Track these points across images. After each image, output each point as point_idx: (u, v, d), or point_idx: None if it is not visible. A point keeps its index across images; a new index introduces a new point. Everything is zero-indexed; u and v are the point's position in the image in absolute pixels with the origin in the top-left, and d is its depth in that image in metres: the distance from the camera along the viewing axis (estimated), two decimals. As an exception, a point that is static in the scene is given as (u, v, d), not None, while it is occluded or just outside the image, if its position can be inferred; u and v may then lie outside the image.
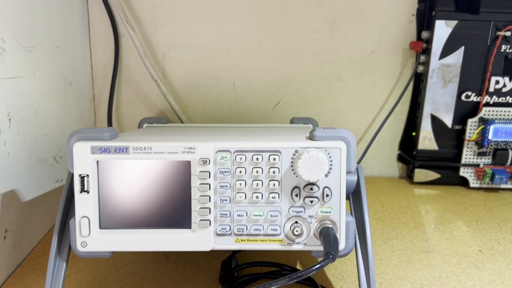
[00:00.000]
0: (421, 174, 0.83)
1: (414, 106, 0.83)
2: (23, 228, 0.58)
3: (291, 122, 0.76)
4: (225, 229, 0.45)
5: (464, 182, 0.82)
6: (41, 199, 0.62)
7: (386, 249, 0.61)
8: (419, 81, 0.82)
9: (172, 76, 0.83)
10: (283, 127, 0.72)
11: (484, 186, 0.80)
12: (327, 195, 0.44)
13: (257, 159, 0.44)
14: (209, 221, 0.45)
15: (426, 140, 0.80)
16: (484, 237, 0.65)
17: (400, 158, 0.88)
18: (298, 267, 0.57)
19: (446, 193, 0.81)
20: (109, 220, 0.45)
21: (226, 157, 0.44)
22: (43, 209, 0.64)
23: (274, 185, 0.45)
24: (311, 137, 0.45)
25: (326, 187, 0.45)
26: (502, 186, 0.80)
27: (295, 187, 0.45)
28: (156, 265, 0.57)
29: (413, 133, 0.83)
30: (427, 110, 0.79)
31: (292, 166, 0.44)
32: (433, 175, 0.83)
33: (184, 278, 0.54)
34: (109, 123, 0.82)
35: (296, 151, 0.44)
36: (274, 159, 0.44)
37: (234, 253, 0.57)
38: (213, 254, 0.59)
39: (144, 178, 0.45)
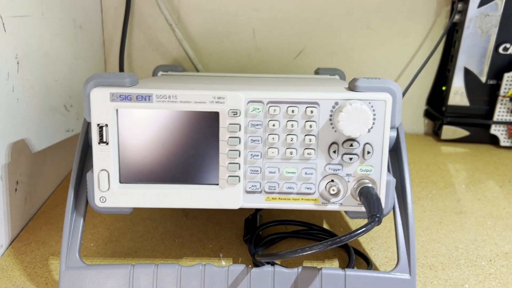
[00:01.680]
0: (449, 131, 0.79)
1: (445, 59, 0.78)
2: (35, 180, 0.55)
3: (316, 73, 0.71)
4: (255, 186, 0.42)
5: (494, 141, 0.78)
6: (52, 150, 0.59)
7: (417, 209, 0.59)
8: (453, 31, 0.76)
9: (187, 21, 0.77)
10: (308, 77, 0.67)
11: (516, 145, 0.76)
12: (368, 152, 0.41)
13: (292, 111, 0.40)
14: (238, 178, 0.41)
15: (457, 95, 0.76)
16: (518, 199, 0.62)
17: (427, 114, 0.84)
18: (325, 226, 0.54)
19: (475, 151, 0.78)
20: (130, 174, 0.42)
21: (258, 109, 0.40)
22: (54, 161, 0.60)
23: (310, 140, 0.41)
24: (353, 88, 0.41)
25: (367, 143, 0.41)
26: (535, 145, 0.76)
27: (333, 143, 0.41)
28: (175, 221, 0.54)
29: (443, 88, 0.78)
30: (461, 63, 0.74)
31: (331, 119, 0.40)
32: (461, 132, 0.79)
33: (206, 235, 0.52)
34: (121, 71, 0.77)
35: (336, 103, 0.40)
36: (312, 111, 0.40)
37: (258, 210, 0.55)
38: (235, 211, 0.56)
39: (168, 129, 0.41)
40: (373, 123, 0.40)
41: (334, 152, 0.41)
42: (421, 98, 0.83)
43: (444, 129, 0.79)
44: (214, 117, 0.41)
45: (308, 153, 0.41)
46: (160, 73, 0.69)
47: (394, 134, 0.44)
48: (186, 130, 0.41)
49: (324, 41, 0.78)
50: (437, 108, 0.81)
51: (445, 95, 0.77)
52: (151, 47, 0.79)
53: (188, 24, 0.77)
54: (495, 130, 0.77)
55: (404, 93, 0.72)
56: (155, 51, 0.80)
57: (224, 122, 0.40)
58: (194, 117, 0.41)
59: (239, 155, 0.41)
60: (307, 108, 0.40)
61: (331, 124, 0.41)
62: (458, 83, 0.75)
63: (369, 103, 0.40)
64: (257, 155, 0.41)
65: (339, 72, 0.70)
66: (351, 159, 0.41)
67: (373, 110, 0.40)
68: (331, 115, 0.40)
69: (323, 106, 0.40)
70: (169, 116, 0.41)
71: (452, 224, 0.55)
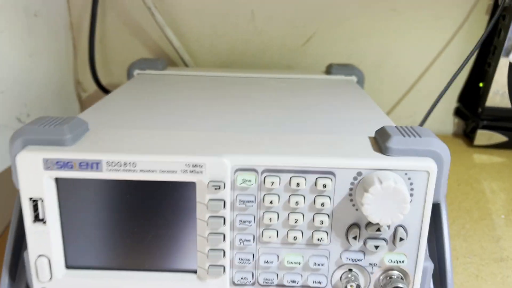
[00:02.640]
0: (484, 136, 0.67)
1: (486, 50, 0.65)
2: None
3: (328, 71, 0.59)
4: (245, 278, 0.32)
5: (536, 148, 0.67)
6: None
7: (448, 256, 0.48)
8: (497, 18, 0.62)
9: (171, 2, 0.64)
10: (317, 79, 0.56)
11: None
12: (401, 239, 0.30)
13: (297, 184, 0.29)
14: (222, 267, 0.31)
15: (498, 95, 0.64)
16: None
17: (458, 113, 0.72)
18: None
19: (512, 161, 0.66)
20: (80, 258, 0.32)
21: (250, 180, 0.29)
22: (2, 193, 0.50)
23: (321, 222, 0.30)
24: (383, 150, 0.30)
25: (400, 226, 0.30)
26: None
27: (353, 224, 0.30)
28: None
29: (480, 84, 0.65)
30: (505, 57, 0.61)
31: (351, 195, 0.30)
32: (499, 137, 0.67)
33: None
34: (91, 60, 0.65)
35: (359, 174, 0.29)
36: (325, 185, 0.29)
37: None
38: None
39: (127, 202, 0.31)
40: (411, 200, 0.29)
41: (355, 238, 0.30)
42: (452, 93, 0.70)
43: (479, 134, 0.67)
44: (189, 188, 0.30)
45: (318, 238, 0.30)
46: (136, 71, 0.57)
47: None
48: (151, 203, 0.30)
49: (338, 26, 0.65)
50: (470, 108, 0.69)
51: (483, 94, 0.65)
52: (128, 31, 0.67)
53: (172, 5, 0.64)
54: (540, 137, 0.65)
55: (440, 96, 0.60)
56: (133, 36, 0.67)
57: (202, 196, 0.30)
58: (162, 188, 0.30)
59: (224, 240, 0.30)
60: (318, 180, 0.29)
61: (351, 200, 0.30)
62: (500, 81, 0.63)
63: (406, 174, 0.29)
64: (249, 240, 0.31)
65: (356, 71, 0.58)
66: (377, 247, 0.30)
67: (411, 184, 0.29)
68: (351, 189, 0.29)
69: (341, 176, 0.29)
70: (127, 186, 0.30)
71: (491, 277, 0.45)
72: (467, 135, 0.71)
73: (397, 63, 0.68)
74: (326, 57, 0.67)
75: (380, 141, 0.31)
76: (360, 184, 0.29)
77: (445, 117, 0.73)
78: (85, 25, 0.66)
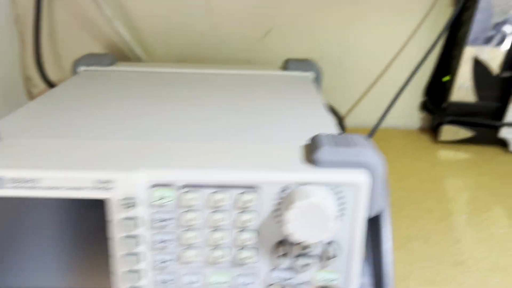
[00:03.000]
0: (450, 132, 0.66)
1: (450, 42, 0.63)
2: None
3: (285, 67, 0.57)
4: (168, 300, 0.29)
5: (502, 143, 0.65)
6: None
7: (404, 259, 0.47)
8: (461, 9, 0.60)
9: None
10: (273, 74, 0.53)
11: (530, 149, 0.64)
12: (333, 256, 0.28)
13: (219, 200, 0.27)
14: (141, 290, 0.29)
15: (463, 89, 0.62)
16: (532, 239, 0.50)
17: (424, 107, 0.70)
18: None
19: (480, 157, 0.65)
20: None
21: (168, 197, 0.27)
22: None
23: (247, 239, 0.28)
24: (313, 160, 0.28)
25: (331, 242, 0.28)
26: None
27: (282, 241, 0.28)
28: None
29: (445, 78, 0.63)
30: (470, 49, 0.59)
31: (278, 210, 0.27)
32: (465, 133, 0.66)
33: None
34: (37, 55, 0.61)
35: (285, 188, 0.27)
36: (248, 201, 0.27)
37: None
38: None
39: (36, 222, 0.28)
40: (341, 215, 0.27)
41: (284, 255, 0.28)
42: (417, 87, 0.68)
43: (445, 129, 0.66)
44: (99, 205, 0.27)
45: (244, 257, 0.28)
46: (82, 68, 0.54)
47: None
48: (61, 221, 0.28)
49: (297, 19, 0.63)
50: (436, 102, 0.67)
51: (448, 88, 0.63)
52: (79, 25, 0.63)
53: (123, -4, 0.61)
54: (506, 133, 0.64)
55: (400, 91, 0.58)
56: (84, 29, 0.64)
57: (114, 214, 0.27)
58: (71, 204, 0.28)
59: (140, 260, 0.28)
60: (241, 195, 0.27)
61: (278, 216, 0.27)
62: (464, 75, 0.61)
63: (335, 188, 0.27)
64: (169, 260, 0.28)
65: (313, 66, 0.55)
66: (307, 265, 0.28)
67: (341, 198, 0.27)
68: (279, 203, 0.27)
69: (266, 191, 0.27)
70: (34, 203, 0.28)
71: (446, 283, 0.44)
72: (433, 129, 0.69)
73: (360, 56, 0.66)
74: (286, 51, 0.65)
75: (311, 151, 0.28)
76: (286, 199, 0.27)
77: (411, 111, 0.71)
78: (32, 18, 0.62)
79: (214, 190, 0.27)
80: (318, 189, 0.26)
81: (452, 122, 0.65)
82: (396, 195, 0.57)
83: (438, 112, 0.66)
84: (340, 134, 0.30)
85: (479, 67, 0.60)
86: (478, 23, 0.58)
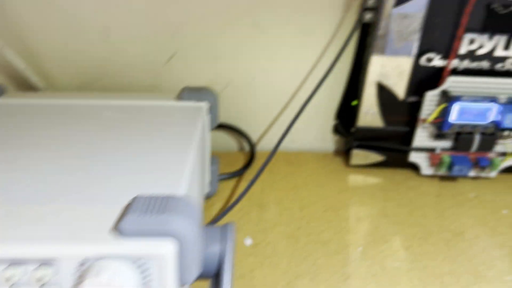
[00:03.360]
0: (359, 156, 0.65)
1: (359, 66, 0.62)
2: None
3: (180, 96, 0.54)
4: None
5: (415, 166, 0.64)
6: None
7: (287, 301, 0.46)
8: (364, 33, 0.60)
9: (12, 16, 0.58)
10: (161, 109, 0.51)
11: (440, 173, 0.63)
12: (143, 331, 0.26)
13: (11, 276, 0.25)
14: None
15: (369, 115, 0.61)
16: (424, 272, 0.50)
17: (336, 130, 0.69)
18: None
19: (389, 182, 0.64)
20: None
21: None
22: None
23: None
24: (117, 229, 0.26)
25: (141, 316, 0.26)
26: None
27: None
28: None
29: (353, 102, 0.62)
30: (373, 75, 0.58)
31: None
32: (375, 157, 0.65)
33: None
34: None
35: (84, 262, 0.25)
36: (45, 275, 0.25)
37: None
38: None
39: None
40: (144, 292, 0.26)
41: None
42: (329, 110, 0.67)
43: (354, 154, 0.65)
44: None
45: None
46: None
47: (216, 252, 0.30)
48: None
49: (201, 43, 0.61)
50: (347, 126, 0.66)
51: (355, 113, 0.62)
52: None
53: (15, 23, 0.58)
54: (415, 157, 0.63)
55: (298, 115, 0.57)
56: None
57: None
58: None
59: None
60: (37, 270, 0.25)
61: (80, 291, 0.25)
62: (369, 100, 0.60)
63: (137, 260, 0.25)
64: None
65: (209, 95, 0.53)
66: None
67: (144, 271, 0.25)
68: (80, 277, 0.25)
69: (64, 265, 0.25)
70: None
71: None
72: (347, 152, 0.68)
73: (269, 81, 0.64)
74: (189, 75, 0.63)
75: (119, 218, 0.27)
76: (82, 274, 0.25)
77: (324, 134, 0.70)
78: None
79: (5, 265, 0.25)
80: (117, 262, 0.25)
81: (361, 147, 0.64)
82: (295, 226, 0.56)
83: (348, 136, 0.65)
84: (163, 196, 0.28)
85: (384, 92, 0.59)
86: (380, 48, 0.57)
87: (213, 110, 0.54)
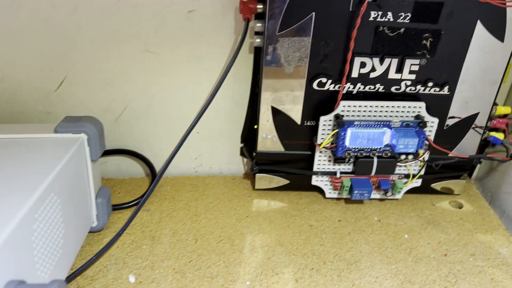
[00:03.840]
0: (263, 181, 0.63)
1: (256, 90, 0.60)
2: None
3: (56, 129, 0.52)
4: None
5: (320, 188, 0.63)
6: None
7: None
8: (257, 58, 0.58)
9: None
10: (37, 143, 0.48)
11: (343, 196, 0.62)
12: None
13: None
14: None
15: (268, 140, 0.59)
16: (307, 308, 0.48)
17: (243, 154, 0.67)
18: None
19: (294, 206, 0.63)
20: None
21: None
22: None
23: None
24: None
25: None
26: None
27: None
28: None
29: (255, 126, 0.61)
30: (267, 100, 0.57)
31: None
32: (279, 181, 0.63)
33: None
34: None
35: None
36: None
37: None
38: None
39: None
40: None
41: None
42: (235, 134, 0.66)
43: (258, 178, 0.63)
44: None
45: None
46: None
47: None
48: None
49: (91, 68, 0.58)
50: (251, 150, 0.64)
51: (256, 138, 0.60)
52: None
53: None
54: (317, 181, 0.62)
55: (184, 138, 0.55)
56: None
57: None
58: None
59: None
60: None
61: None
62: (266, 125, 0.58)
63: None
64: None
65: (89, 126, 0.51)
66: None
67: None
68: None
69: None
70: None
71: None
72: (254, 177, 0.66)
73: (168, 105, 0.62)
74: (86, 101, 0.61)
75: None
76: None
77: (233, 157, 0.68)
78: None
79: None
80: None
81: (262, 171, 0.63)
82: (186, 260, 0.54)
83: (251, 160, 0.64)
84: None
85: (281, 117, 0.58)
86: (270, 73, 0.55)
87: (94, 141, 0.52)
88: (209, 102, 0.54)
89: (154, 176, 0.65)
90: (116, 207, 0.60)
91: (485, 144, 0.66)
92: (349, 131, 0.55)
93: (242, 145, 0.67)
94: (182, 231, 0.57)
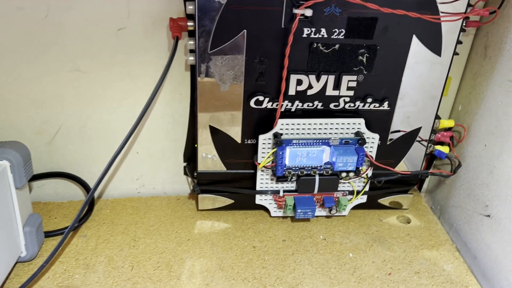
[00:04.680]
0: (207, 201, 0.62)
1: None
2: None
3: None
4: None
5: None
6: None
7: None
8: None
9: None
10: None
11: (288, 214, 0.60)
12: None
13: None
14: None
15: (208, 159, 0.57)
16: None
17: (186, 173, 0.65)
18: None
19: (238, 227, 0.61)
20: None
21: None
22: None
23: None
24: None
25: None
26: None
27: None
28: None
29: (196, 145, 0.59)
30: (204, 119, 0.55)
31: None
32: (223, 201, 0.62)
33: None
34: None
35: None
36: None
37: None
38: None
39: None
40: None
41: None
42: (177, 153, 0.64)
43: (201, 199, 0.61)
44: None
45: None
46: None
47: None
48: None
49: (21, 88, 0.56)
50: (193, 170, 0.62)
51: (196, 156, 0.58)
52: None
53: None
54: (261, 200, 0.60)
55: (112, 160, 0.52)
56: None
57: None
58: None
59: None
60: None
61: None
62: (206, 144, 0.56)
63: None
64: None
65: (11, 152, 0.48)
66: None
67: None
68: None
69: None
70: None
71: None
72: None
73: (103, 126, 0.60)
74: (15, 124, 0.58)
75: None
76: None
77: (177, 177, 0.66)
78: None
79: None
80: None
81: (207, 191, 0.61)
82: (118, 291, 0.51)
83: (193, 181, 0.62)
84: None
85: (220, 136, 0.56)
86: (205, 92, 0.53)
87: (18, 167, 0.49)
88: (138, 121, 0.52)
89: (92, 199, 0.62)
90: (50, 234, 0.57)
91: (432, 157, 0.65)
92: (288, 150, 0.54)
93: (185, 164, 0.65)
94: (118, 258, 0.55)
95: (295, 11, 0.48)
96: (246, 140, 0.57)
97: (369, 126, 0.55)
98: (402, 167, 0.60)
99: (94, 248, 0.56)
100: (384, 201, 0.64)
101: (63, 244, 0.56)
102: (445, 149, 0.61)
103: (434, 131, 0.59)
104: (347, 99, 0.54)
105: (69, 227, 0.51)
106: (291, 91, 0.53)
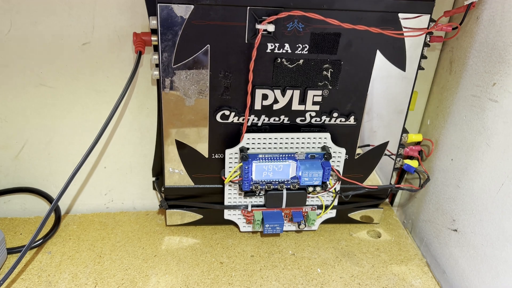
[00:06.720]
0: (175, 217, 0.61)
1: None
2: None
3: None
4: None
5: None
6: None
7: None
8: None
9: None
10: None
11: (257, 229, 0.60)
12: None
13: None
14: None
15: (175, 174, 0.57)
16: None
17: (154, 188, 0.65)
18: None
19: (207, 242, 0.61)
20: None
21: None
22: None
23: None
24: None
25: None
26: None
27: None
28: None
29: (164, 160, 0.59)
30: (169, 134, 0.55)
31: None
32: (192, 216, 0.61)
33: None
34: None
35: None
36: None
37: None
38: None
39: None
40: None
41: None
42: (145, 168, 0.63)
43: (168, 214, 0.61)
44: None
45: None
46: None
47: None
48: None
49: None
50: (161, 185, 0.62)
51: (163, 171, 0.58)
52: None
53: None
54: (230, 215, 0.60)
55: (75, 173, 0.52)
56: None
57: None
58: None
59: None
60: None
61: None
62: (173, 159, 0.56)
63: None
64: None
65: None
66: None
67: None
68: None
69: None
70: None
71: None
72: (168, 212, 0.64)
73: (69, 141, 0.60)
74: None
75: None
76: None
77: (146, 192, 0.66)
78: None
79: None
80: None
81: (175, 206, 0.60)
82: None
83: (161, 195, 0.61)
84: None
85: (187, 150, 0.56)
86: (170, 106, 0.53)
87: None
88: (99, 135, 0.51)
89: (58, 214, 0.62)
90: (13, 251, 0.57)
91: (403, 171, 0.65)
92: (254, 165, 0.54)
93: (154, 179, 0.64)
94: (82, 275, 0.54)
95: (258, 26, 0.48)
96: (213, 154, 0.57)
97: (335, 141, 0.56)
98: (376, 181, 0.61)
99: (58, 265, 0.56)
100: (355, 215, 0.64)
101: (24, 260, 0.55)
102: (414, 163, 0.61)
103: (402, 145, 0.59)
104: (313, 113, 0.55)
105: (28, 243, 0.50)
106: (257, 106, 0.54)
